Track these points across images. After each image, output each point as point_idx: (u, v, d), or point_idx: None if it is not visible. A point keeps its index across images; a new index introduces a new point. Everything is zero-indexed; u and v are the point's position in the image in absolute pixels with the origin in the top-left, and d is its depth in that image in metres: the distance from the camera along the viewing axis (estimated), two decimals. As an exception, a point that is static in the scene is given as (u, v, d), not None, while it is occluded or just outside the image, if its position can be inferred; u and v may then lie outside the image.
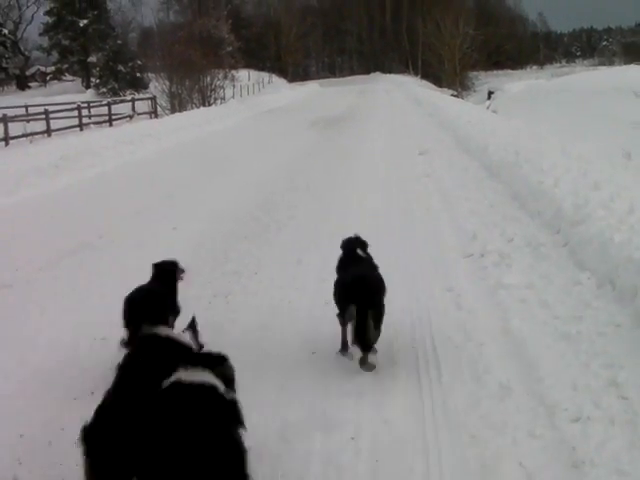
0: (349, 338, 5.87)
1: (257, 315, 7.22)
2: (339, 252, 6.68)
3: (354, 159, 18.63)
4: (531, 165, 12.25)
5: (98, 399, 4.14)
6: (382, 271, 6.26)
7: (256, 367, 5.80)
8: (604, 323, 6.19)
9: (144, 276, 6.31)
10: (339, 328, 6.14)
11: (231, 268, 8.90)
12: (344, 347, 6.06)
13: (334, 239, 10.04)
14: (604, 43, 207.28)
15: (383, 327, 5.82)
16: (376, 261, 6.45)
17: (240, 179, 16.37)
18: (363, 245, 6.59)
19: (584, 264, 7.65)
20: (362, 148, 20.91)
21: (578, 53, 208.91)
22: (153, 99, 42.57)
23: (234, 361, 4.13)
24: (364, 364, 5.67)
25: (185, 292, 6.52)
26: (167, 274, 6.36)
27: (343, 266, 6.40)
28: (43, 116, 31.66)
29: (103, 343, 6.53)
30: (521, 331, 6.23)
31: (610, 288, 6.83)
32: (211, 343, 4.86)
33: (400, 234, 10.19)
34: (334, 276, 6.40)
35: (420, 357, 5.99)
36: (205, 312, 7.01)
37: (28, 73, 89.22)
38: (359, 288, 5.83)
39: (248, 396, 4.11)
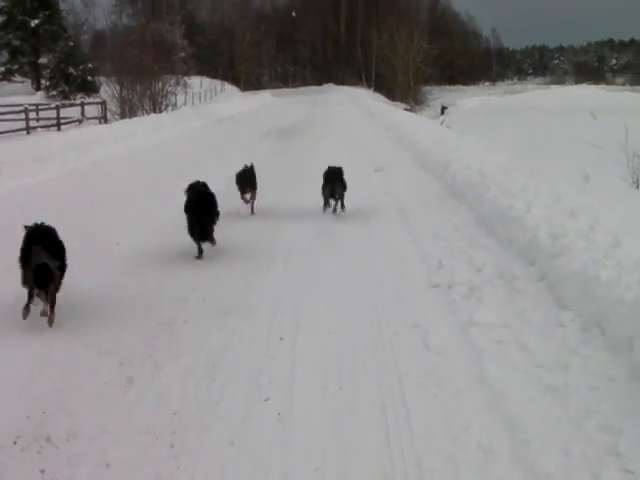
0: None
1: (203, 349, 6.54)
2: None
3: (306, 176, 17.92)
4: (498, 187, 11.52)
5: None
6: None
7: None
8: (595, 375, 5.52)
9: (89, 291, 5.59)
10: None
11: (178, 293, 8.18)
12: (326, 204, 12.34)
13: (289, 259, 9.41)
14: (556, 61, 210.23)
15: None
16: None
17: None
18: None
19: (566, 303, 6.99)
20: (314, 163, 20.24)
21: (530, 71, 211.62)
22: (103, 104, 41.57)
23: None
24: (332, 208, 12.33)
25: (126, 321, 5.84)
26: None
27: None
28: (-13, 118, 30.69)
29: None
30: (500, 380, 5.53)
31: (598, 333, 6.16)
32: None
33: (359, 259, 9.48)
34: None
35: (387, 407, 5.31)
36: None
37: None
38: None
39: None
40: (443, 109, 74.11)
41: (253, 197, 12.73)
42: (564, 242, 7.94)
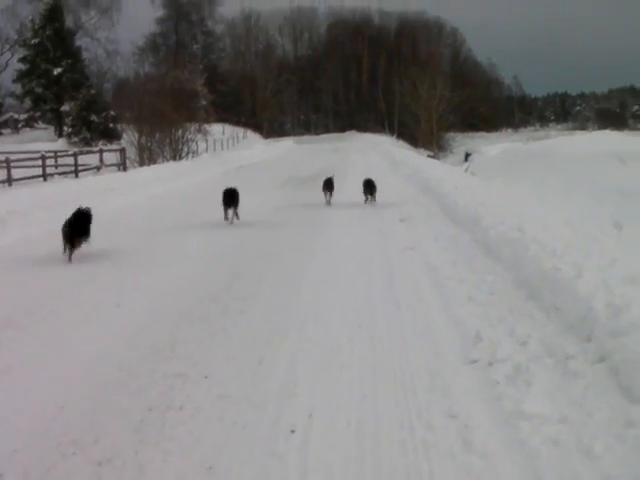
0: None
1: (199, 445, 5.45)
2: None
3: (327, 225, 16.92)
4: (539, 245, 10.17)
5: None
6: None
7: None
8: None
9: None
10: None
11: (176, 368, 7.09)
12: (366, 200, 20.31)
13: (306, 324, 8.32)
14: (578, 108, 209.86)
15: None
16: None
17: (202, 241, 14.69)
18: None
19: (636, 393, 5.66)
20: (336, 212, 19.28)
21: (552, 117, 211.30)
22: (122, 151, 40.97)
23: None
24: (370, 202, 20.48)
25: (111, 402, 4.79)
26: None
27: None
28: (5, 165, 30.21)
29: None
30: (563, 501, 4.40)
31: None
32: None
33: (384, 326, 8.29)
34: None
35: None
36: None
37: (1, 120, 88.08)
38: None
39: None
40: (467, 156, 73.34)
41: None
42: (628, 317, 6.61)
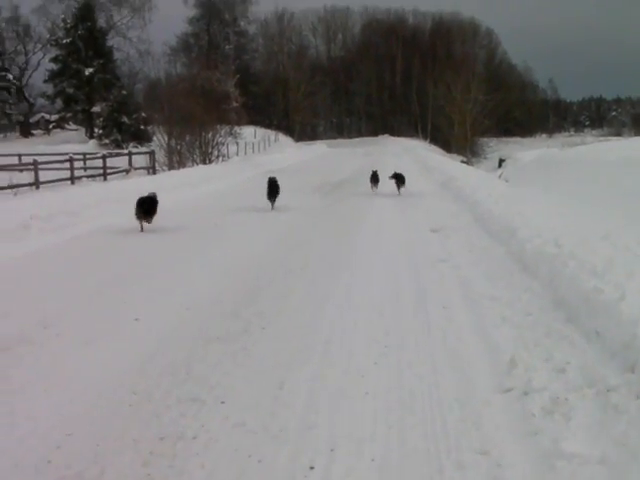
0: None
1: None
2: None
3: (356, 234, 16.51)
4: (578, 262, 9.49)
5: None
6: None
7: None
8: None
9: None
10: None
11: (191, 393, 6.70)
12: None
13: (331, 345, 7.96)
14: (613, 113, 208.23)
15: None
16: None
17: (228, 253, 14.27)
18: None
19: None
20: (367, 219, 18.90)
21: (587, 122, 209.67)
22: (151, 154, 40.80)
23: None
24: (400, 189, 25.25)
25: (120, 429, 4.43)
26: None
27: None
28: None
29: None
30: None
31: None
32: None
33: (413, 349, 7.81)
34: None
35: None
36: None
37: (32, 120, 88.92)
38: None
39: None
40: (501, 162, 72.66)
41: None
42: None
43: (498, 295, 9.80)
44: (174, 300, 10.21)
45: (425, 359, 7.47)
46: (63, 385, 6.89)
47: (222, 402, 6.46)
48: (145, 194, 17.70)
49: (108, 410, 6.30)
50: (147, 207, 17.30)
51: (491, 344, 7.81)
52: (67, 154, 36.05)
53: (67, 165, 33.34)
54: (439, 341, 8.05)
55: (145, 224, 17.21)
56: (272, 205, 21.33)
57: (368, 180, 26.15)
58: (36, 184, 29.41)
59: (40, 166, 30.56)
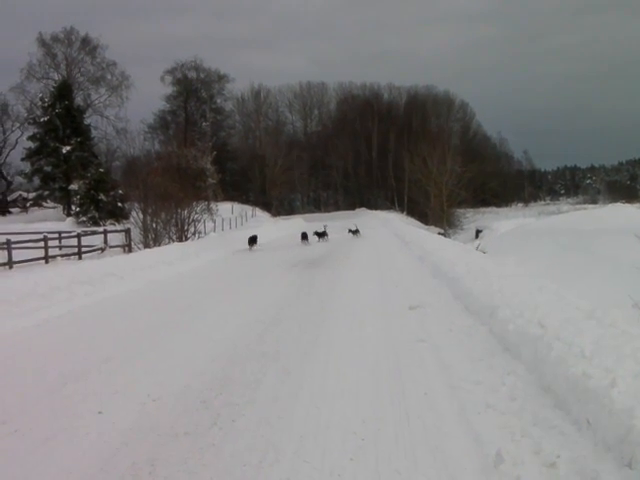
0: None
1: None
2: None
3: (334, 312, 15.98)
4: (564, 345, 8.81)
5: None
6: None
7: None
8: None
9: None
10: None
11: None
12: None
13: (305, 441, 7.46)
14: (588, 181, 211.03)
15: None
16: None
17: (199, 337, 13.70)
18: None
19: None
20: (343, 296, 18.40)
21: (562, 191, 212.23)
22: (127, 231, 40.41)
23: None
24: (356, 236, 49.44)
25: None
26: None
27: None
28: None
29: None
30: None
31: None
32: None
33: (391, 443, 7.23)
34: None
35: None
36: None
37: (9, 198, 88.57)
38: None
39: None
40: (477, 233, 72.89)
41: None
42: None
43: (480, 379, 9.26)
44: (140, 390, 9.65)
45: (405, 454, 6.94)
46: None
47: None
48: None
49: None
50: (252, 238, 34.85)
51: (475, 435, 7.26)
52: (42, 233, 35.60)
53: (42, 244, 32.83)
54: (420, 433, 7.50)
55: None
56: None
57: (344, 253, 25.88)
58: (9, 264, 28.91)
59: (14, 245, 30.07)
